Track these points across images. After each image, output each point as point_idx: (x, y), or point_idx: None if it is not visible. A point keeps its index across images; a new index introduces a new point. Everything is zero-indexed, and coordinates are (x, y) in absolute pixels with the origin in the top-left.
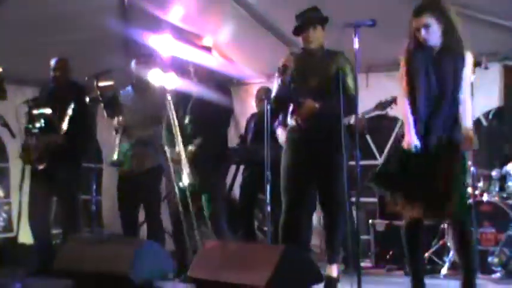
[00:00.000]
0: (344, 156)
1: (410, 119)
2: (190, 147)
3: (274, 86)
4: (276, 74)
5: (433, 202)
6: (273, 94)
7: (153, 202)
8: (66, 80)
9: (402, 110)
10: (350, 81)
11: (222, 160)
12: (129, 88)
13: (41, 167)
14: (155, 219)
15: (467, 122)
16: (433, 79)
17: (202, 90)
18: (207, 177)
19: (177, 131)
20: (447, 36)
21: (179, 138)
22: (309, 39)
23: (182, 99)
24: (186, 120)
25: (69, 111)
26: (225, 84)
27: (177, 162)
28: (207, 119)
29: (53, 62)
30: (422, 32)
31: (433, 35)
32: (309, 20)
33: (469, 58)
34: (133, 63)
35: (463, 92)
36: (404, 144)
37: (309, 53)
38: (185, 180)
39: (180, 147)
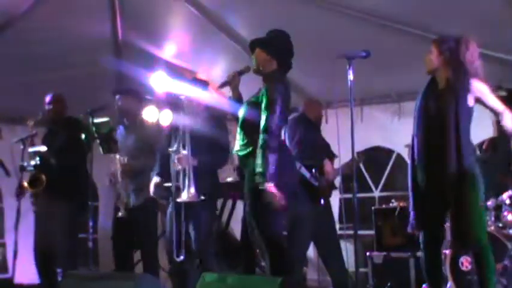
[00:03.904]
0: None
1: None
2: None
3: None
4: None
5: None
6: None
7: (147, 240)
8: (62, 116)
9: None
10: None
11: (212, 197)
12: (120, 127)
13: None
14: (147, 254)
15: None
16: (433, 108)
17: (197, 124)
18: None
19: None
20: (449, 68)
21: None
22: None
23: (175, 132)
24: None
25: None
26: (220, 119)
27: None
28: (204, 156)
29: (48, 98)
30: (425, 56)
31: (429, 61)
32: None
33: (476, 83)
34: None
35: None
36: None
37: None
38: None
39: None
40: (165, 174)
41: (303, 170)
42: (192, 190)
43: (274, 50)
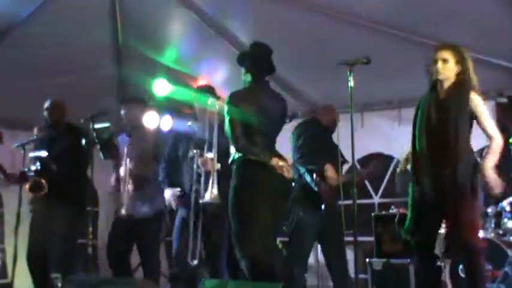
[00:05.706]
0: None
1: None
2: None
3: None
4: None
5: None
6: None
7: (150, 247)
8: (62, 122)
9: None
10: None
11: None
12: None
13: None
14: (152, 262)
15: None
16: (434, 118)
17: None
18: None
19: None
20: (460, 77)
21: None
22: None
23: (183, 138)
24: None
25: (65, 153)
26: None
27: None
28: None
29: (47, 104)
30: (439, 64)
31: (447, 70)
32: None
33: (476, 98)
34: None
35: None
36: None
37: None
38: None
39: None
40: (173, 182)
41: (306, 175)
42: (215, 191)
43: (248, 64)
